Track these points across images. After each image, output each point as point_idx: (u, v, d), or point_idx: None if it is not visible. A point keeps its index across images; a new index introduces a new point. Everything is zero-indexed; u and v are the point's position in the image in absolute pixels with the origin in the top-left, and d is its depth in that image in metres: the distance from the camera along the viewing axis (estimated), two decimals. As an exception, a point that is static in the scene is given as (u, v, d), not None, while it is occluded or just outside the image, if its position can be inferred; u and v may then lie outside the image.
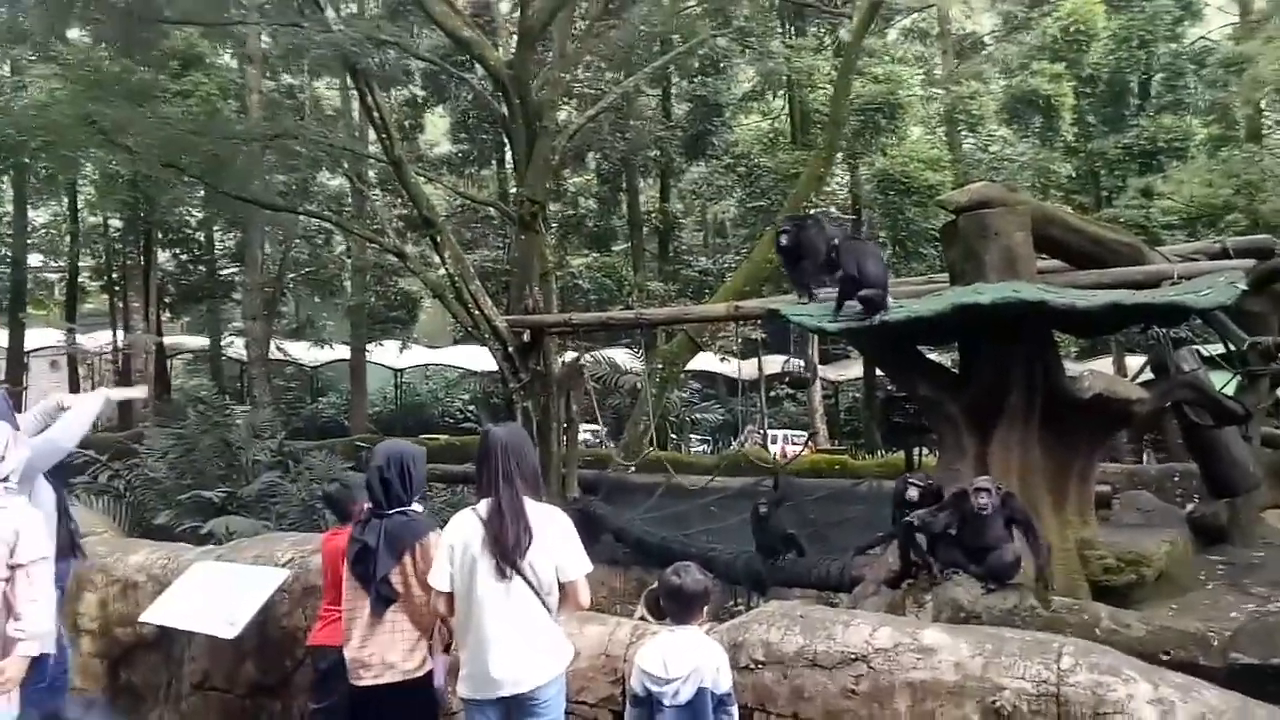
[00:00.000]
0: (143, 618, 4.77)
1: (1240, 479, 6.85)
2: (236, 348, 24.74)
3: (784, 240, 6.66)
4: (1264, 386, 6.59)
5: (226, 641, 4.42)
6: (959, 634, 3.48)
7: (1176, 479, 14.83)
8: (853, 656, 3.43)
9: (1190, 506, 9.15)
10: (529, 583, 3.19)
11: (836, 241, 6.10)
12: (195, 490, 11.62)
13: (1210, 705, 3.04)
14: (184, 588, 4.69)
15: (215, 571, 4.74)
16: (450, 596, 3.26)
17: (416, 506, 3.57)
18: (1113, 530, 6.50)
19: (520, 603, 3.19)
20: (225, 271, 26.08)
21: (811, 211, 15.00)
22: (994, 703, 3.18)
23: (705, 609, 3.34)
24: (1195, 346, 8.25)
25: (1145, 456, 17.69)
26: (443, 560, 3.29)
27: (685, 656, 3.15)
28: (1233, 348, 7.14)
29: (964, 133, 24.32)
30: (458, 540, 3.27)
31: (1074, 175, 22.71)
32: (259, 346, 21.07)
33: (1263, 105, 23.64)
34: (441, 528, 3.40)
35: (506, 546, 3.17)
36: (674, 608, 3.33)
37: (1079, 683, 3.12)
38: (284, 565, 4.67)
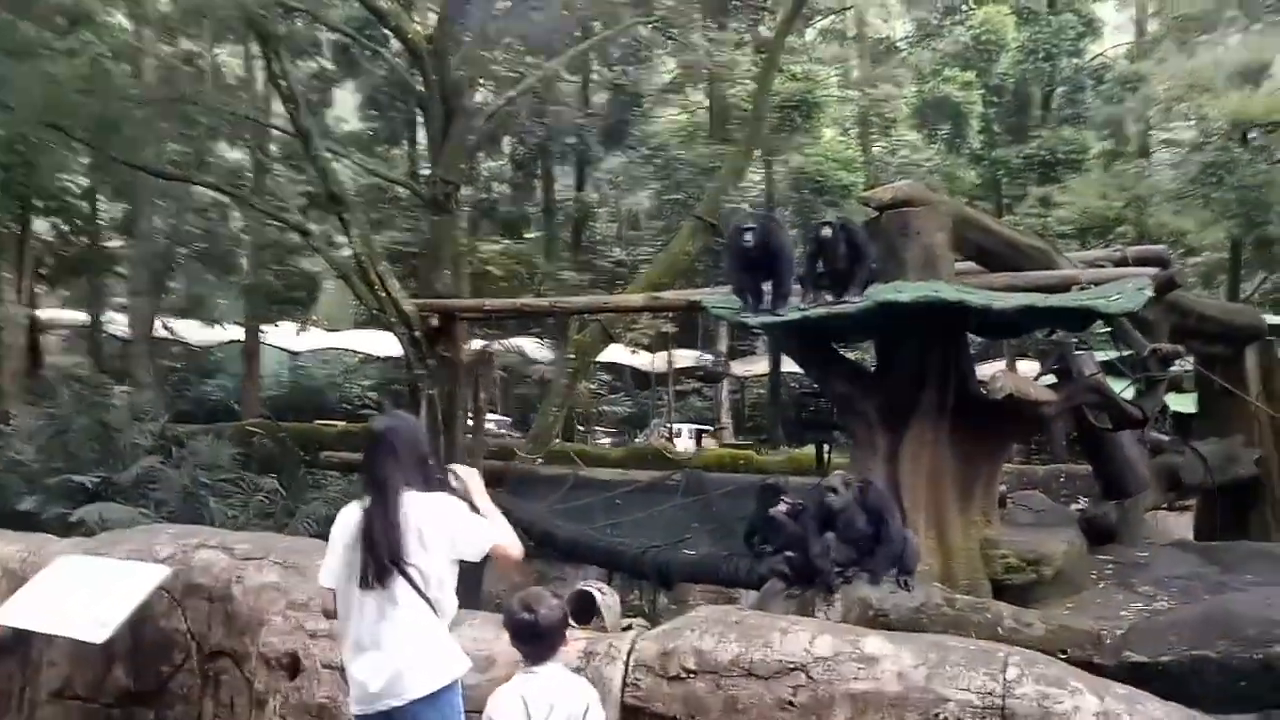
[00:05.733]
0: None
1: (1131, 481, 7.09)
2: (119, 325, 23.35)
3: (749, 239, 5.65)
4: (1160, 392, 6.83)
5: (92, 645, 3.98)
6: (901, 642, 3.38)
7: (1063, 479, 15.51)
8: (791, 666, 3.28)
9: (1080, 506, 9.52)
10: (412, 584, 2.92)
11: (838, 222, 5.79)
12: (66, 474, 10.84)
13: (1154, 717, 3.03)
14: (45, 585, 4.19)
15: (83, 567, 4.25)
16: (333, 594, 3.05)
17: None
18: (1011, 529, 6.64)
19: (400, 607, 2.92)
20: (110, 244, 24.54)
21: (729, 207, 15.03)
22: (938, 715, 3.09)
23: (566, 637, 3.00)
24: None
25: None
26: (329, 555, 3.08)
27: (547, 698, 2.83)
28: (1126, 353, 7.39)
29: (875, 136, 24.84)
30: (339, 537, 3.06)
31: (978, 182, 23.45)
32: (143, 324, 19.92)
33: (1152, 123, 24.91)
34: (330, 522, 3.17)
35: (379, 548, 2.91)
36: (529, 646, 2.94)
37: (1025, 694, 3.06)
38: (163, 561, 4.25)
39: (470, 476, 3.21)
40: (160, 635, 4.18)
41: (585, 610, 4.51)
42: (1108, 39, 26.42)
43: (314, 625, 3.83)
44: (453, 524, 3.00)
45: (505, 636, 3.07)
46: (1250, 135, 21.17)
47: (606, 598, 4.67)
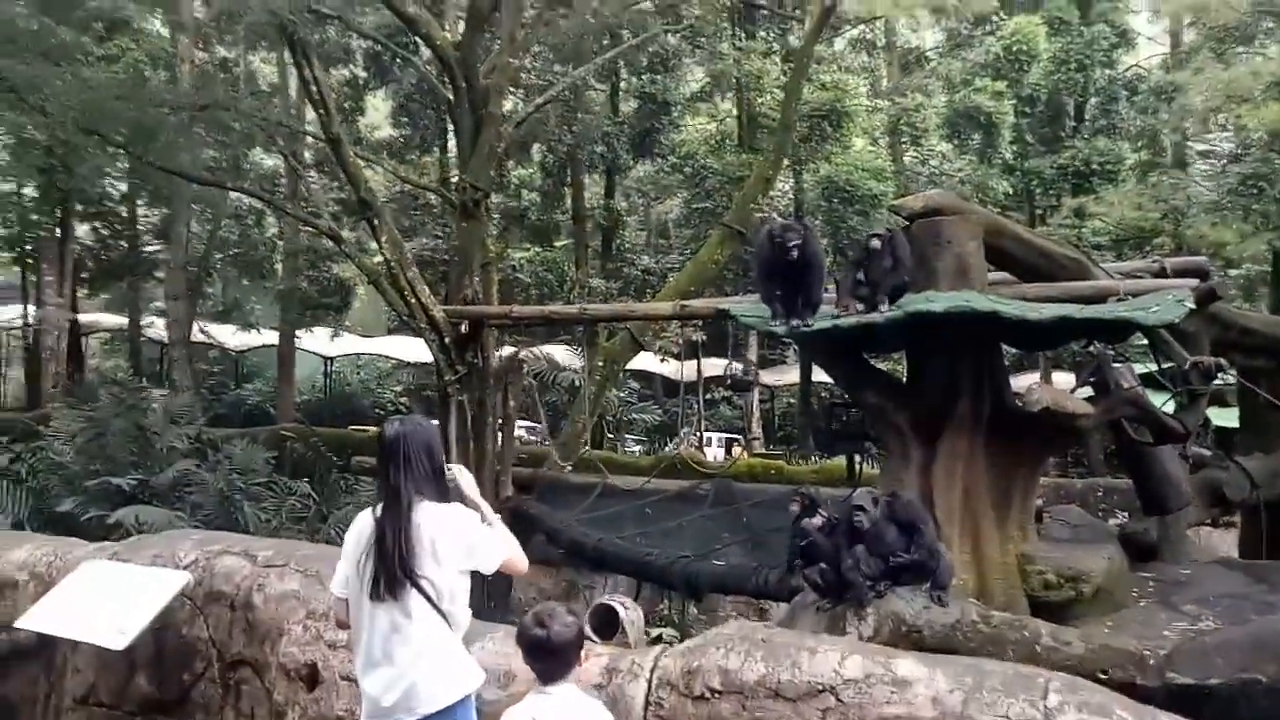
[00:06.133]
0: (19, 623, 4.25)
1: (1173, 496, 6.90)
2: (157, 328, 23.71)
3: (794, 244, 5.44)
4: (1202, 406, 6.66)
5: (115, 652, 3.98)
6: (936, 665, 3.26)
7: (1100, 494, 15.23)
8: (820, 688, 3.17)
9: (1120, 521, 9.31)
10: (425, 597, 2.85)
11: (888, 233, 5.69)
12: (104, 477, 11.01)
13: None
14: (71, 590, 4.20)
15: (107, 572, 4.26)
16: (346, 604, 3.00)
17: None
18: (1049, 545, 6.50)
19: (413, 620, 2.85)
20: (149, 249, 24.96)
21: (758, 215, 14.95)
22: (974, 745, 2.95)
23: (582, 654, 2.89)
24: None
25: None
26: (342, 563, 3.03)
27: None
28: (1165, 366, 7.22)
29: (906, 145, 24.63)
30: (353, 545, 2.98)
31: (1011, 193, 23.16)
32: (181, 328, 20.19)
33: (1189, 133, 24.50)
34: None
35: (390, 559, 2.84)
36: (542, 664, 2.82)
37: (1067, 723, 2.91)
38: (186, 567, 4.24)
39: (463, 476, 3.17)
40: (182, 643, 4.17)
41: (608, 625, 4.44)
42: (1142, 50, 26.07)
43: (333, 636, 3.80)
44: (467, 536, 2.93)
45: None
46: (1291, 146, 20.73)
47: (629, 612, 4.60)
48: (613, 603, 4.59)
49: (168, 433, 11.97)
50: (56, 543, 5.08)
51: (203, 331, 23.36)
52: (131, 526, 9.45)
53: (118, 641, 3.85)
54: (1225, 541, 10.16)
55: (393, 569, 2.82)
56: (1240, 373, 8.20)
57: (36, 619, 4.12)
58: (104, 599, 4.04)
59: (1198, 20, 23.24)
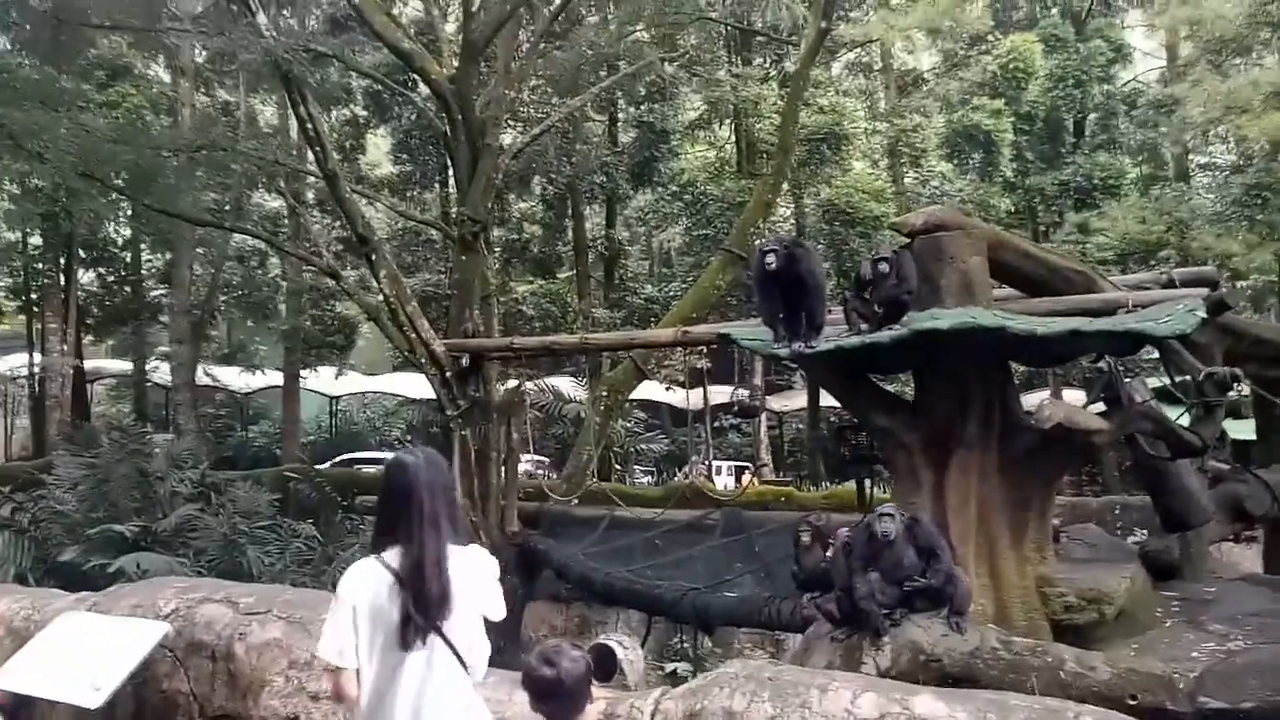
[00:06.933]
0: None
1: (1194, 512, 6.73)
2: (162, 373, 23.70)
3: (771, 262, 5.41)
4: (1219, 418, 6.50)
5: (94, 710, 3.78)
6: (956, 700, 3.11)
7: (1117, 511, 14.98)
8: None
9: (1140, 540, 9.10)
10: (452, 647, 2.66)
11: (894, 254, 5.62)
12: (106, 524, 10.88)
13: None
14: (47, 644, 4.02)
15: (84, 624, 4.09)
16: (355, 675, 2.64)
17: None
18: (1068, 566, 6.31)
19: (443, 673, 2.65)
20: (152, 293, 25.05)
21: (758, 240, 14.89)
22: (1000, 789, 2.78)
23: (593, 691, 2.71)
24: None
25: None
26: (341, 627, 2.64)
27: None
28: (1177, 379, 7.06)
29: (906, 166, 24.64)
30: (363, 601, 2.64)
31: (1013, 210, 23.12)
32: (185, 371, 20.18)
33: (1190, 146, 24.48)
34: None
35: (430, 607, 2.61)
36: (552, 705, 2.61)
37: (1098, 761, 2.75)
38: (166, 617, 4.09)
39: None
40: (162, 699, 4.02)
41: (605, 666, 4.26)
42: (1139, 64, 26.14)
43: (315, 687, 3.67)
44: (487, 582, 2.77)
45: (519, 696, 2.82)
46: (1293, 156, 20.67)
47: (628, 652, 4.42)
48: (610, 642, 4.41)
49: (171, 477, 11.86)
50: (34, 594, 4.94)
51: (207, 374, 23.36)
52: (134, 574, 9.30)
53: (93, 700, 3.67)
54: (1247, 557, 9.94)
55: (434, 619, 2.61)
56: (1255, 383, 8.04)
57: (11, 677, 3.95)
58: (81, 653, 3.88)
59: (1194, 33, 23.30)
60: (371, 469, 19.45)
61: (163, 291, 24.35)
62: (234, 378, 24.89)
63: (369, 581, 2.65)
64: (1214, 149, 25.37)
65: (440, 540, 2.66)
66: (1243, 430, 9.94)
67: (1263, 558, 8.72)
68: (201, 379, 22.44)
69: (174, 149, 12.48)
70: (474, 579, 2.73)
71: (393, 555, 2.66)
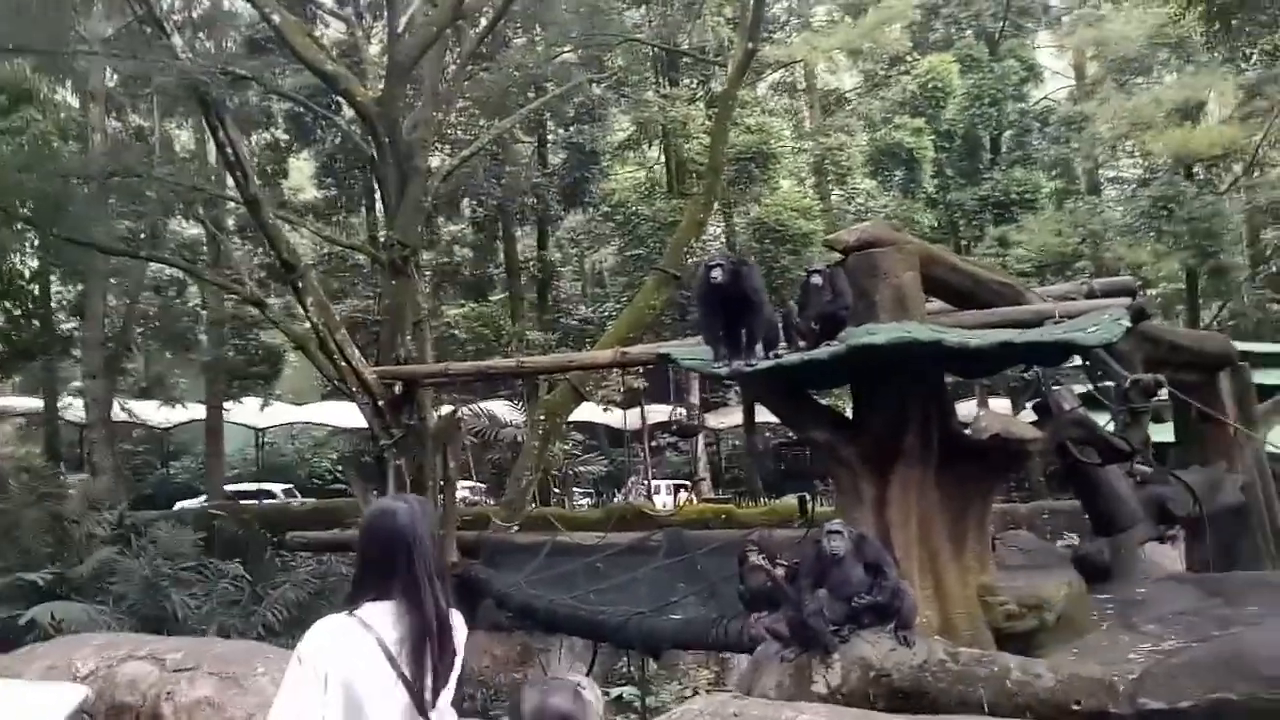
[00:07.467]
0: None
1: (1123, 515, 6.91)
2: (75, 409, 22.65)
3: (716, 276, 5.38)
4: (1145, 423, 6.70)
5: None
6: None
7: (1046, 516, 15.39)
8: None
9: (1071, 543, 9.32)
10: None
11: (828, 270, 5.62)
12: (17, 573, 10.31)
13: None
14: None
15: None
16: None
17: None
18: (1005, 573, 6.41)
19: None
20: (63, 325, 23.95)
21: (693, 261, 14.96)
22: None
23: None
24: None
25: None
26: (306, 699, 2.18)
27: None
28: (1100, 386, 7.27)
29: (832, 184, 25.17)
30: (336, 666, 2.19)
31: (935, 225, 23.79)
32: (100, 407, 19.30)
33: (1099, 160, 25.55)
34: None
35: (430, 679, 2.25)
36: None
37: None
38: (84, 679, 3.80)
39: None
40: (82, 771, 3.69)
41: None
42: (1049, 83, 27.23)
43: (251, 750, 3.41)
44: (463, 644, 2.45)
45: None
46: (1194, 170, 21.74)
47: (586, 692, 4.30)
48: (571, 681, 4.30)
49: (87, 519, 11.35)
50: (-69, 660, 4.53)
51: (124, 410, 22.35)
52: (49, 624, 8.81)
53: None
54: (1168, 556, 10.23)
55: (434, 692, 2.26)
56: (1172, 387, 8.33)
57: None
58: (-17, 727, 3.55)
59: (1099, 53, 24.38)
60: (309, 502, 18.90)
61: (74, 325, 23.31)
62: (153, 412, 23.89)
63: (342, 644, 2.23)
64: (1122, 163, 26.51)
65: (440, 604, 2.31)
66: (1161, 433, 10.29)
67: (1185, 556, 9.01)
68: (118, 414, 21.46)
69: (84, 176, 11.97)
70: (462, 644, 2.42)
71: (375, 615, 2.27)
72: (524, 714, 2.38)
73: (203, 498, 22.31)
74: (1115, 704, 4.62)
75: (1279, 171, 23.70)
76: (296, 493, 24.18)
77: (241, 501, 19.92)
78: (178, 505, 21.47)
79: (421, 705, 2.23)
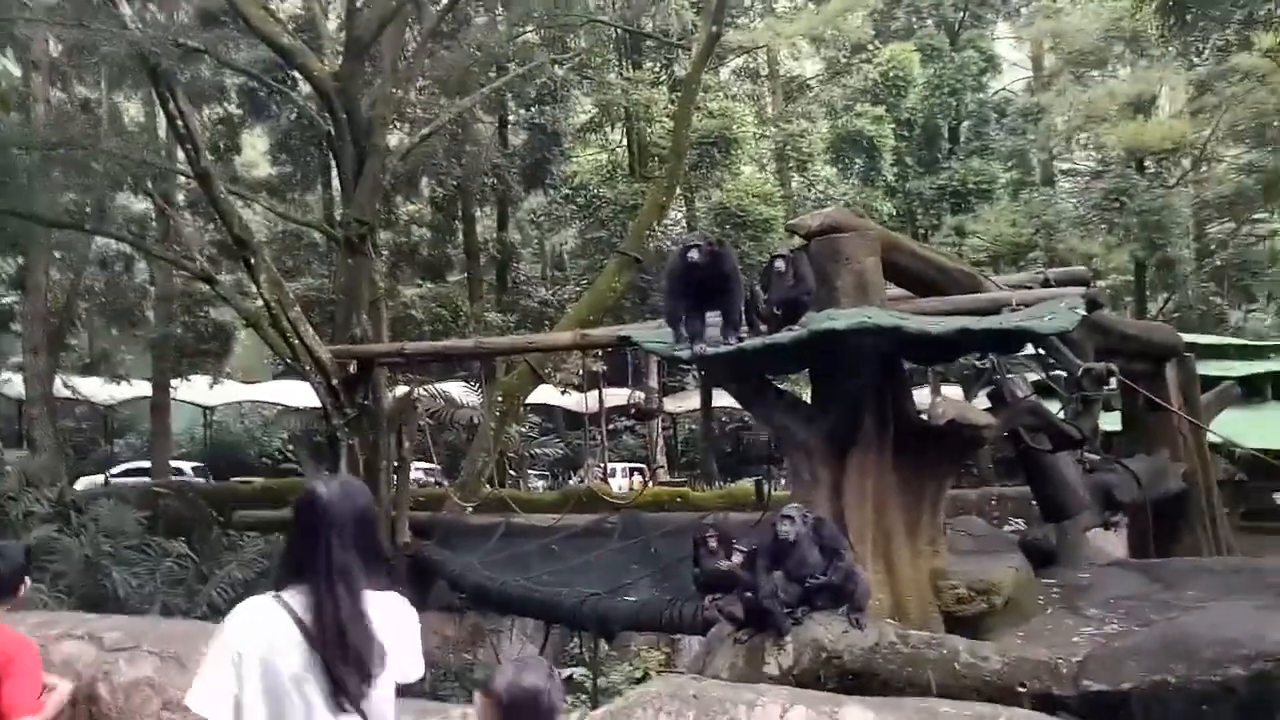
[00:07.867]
0: None
1: (1071, 501, 7.04)
2: (15, 385, 22.00)
3: (695, 256, 5.36)
4: (1096, 411, 6.83)
5: None
6: (886, 710, 3.09)
7: (994, 502, 15.66)
8: None
9: (1018, 529, 9.50)
10: (361, 712, 2.22)
11: (789, 256, 5.58)
12: (-50, 552, 9.98)
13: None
14: None
15: None
16: None
17: None
18: (955, 558, 6.50)
19: None
20: (3, 299, 23.19)
21: (655, 245, 14.94)
22: (932, 795, 2.73)
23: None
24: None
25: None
26: (221, 675, 2.18)
27: None
28: (1052, 374, 7.40)
29: (793, 170, 25.26)
30: (251, 646, 2.18)
31: (894, 213, 23.99)
32: (41, 383, 18.74)
33: (1054, 152, 25.96)
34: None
35: (346, 671, 2.18)
36: None
37: (1026, 764, 2.69)
38: (16, 658, 3.68)
39: None
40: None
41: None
42: (1007, 74, 27.56)
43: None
44: (410, 636, 2.37)
45: None
46: (1145, 163, 22.18)
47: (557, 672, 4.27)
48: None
49: (24, 497, 11.02)
50: None
51: (67, 386, 21.76)
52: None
53: None
54: (1112, 542, 10.48)
55: (354, 685, 2.19)
56: (1121, 376, 8.50)
57: None
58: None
59: (1057, 45, 24.72)
60: (256, 481, 18.57)
61: (15, 299, 22.59)
62: (97, 389, 23.31)
63: (260, 623, 2.22)
64: (1076, 155, 26.97)
65: (353, 592, 2.24)
66: (1109, 421, 10.52)
67: (1127, 542, 9.24)
68: (60, 391, 20.90)
69: (25, 147, 11.55)
70: (398, 634, 2.34)
71: (295, 598, 2.25)
72: (498, 691, 2.31)
73: (120, 468, 21.88)
74: (1060, 686, 4.71)
75: (1225, 167, 24.29)
76: (208, 473, 23.80)
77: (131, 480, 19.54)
78: (111, 472, 21.03)
79: (343, 690, 2.18)
